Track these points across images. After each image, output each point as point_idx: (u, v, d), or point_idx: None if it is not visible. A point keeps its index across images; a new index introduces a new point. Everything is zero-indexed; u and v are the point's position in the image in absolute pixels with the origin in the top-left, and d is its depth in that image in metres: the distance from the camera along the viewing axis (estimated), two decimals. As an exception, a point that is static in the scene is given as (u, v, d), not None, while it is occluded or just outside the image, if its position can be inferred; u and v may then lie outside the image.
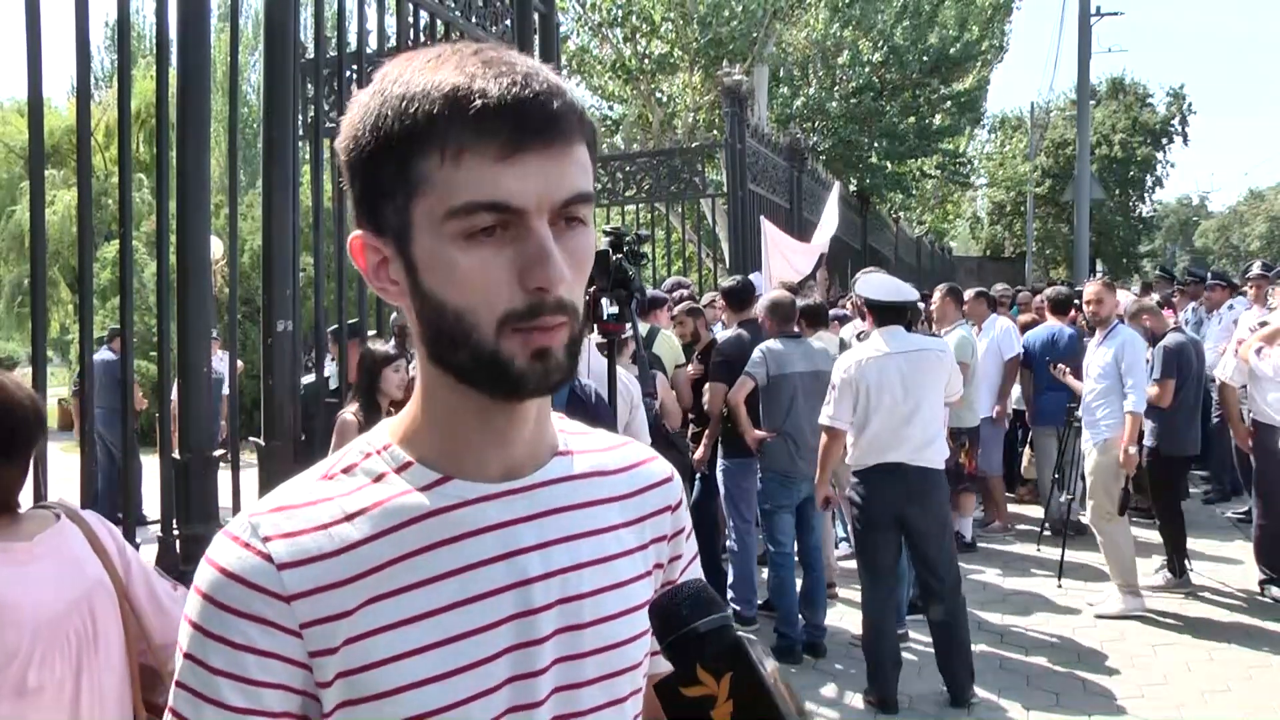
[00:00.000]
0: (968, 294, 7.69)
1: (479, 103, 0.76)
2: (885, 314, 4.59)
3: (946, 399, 4.80)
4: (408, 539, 0.83)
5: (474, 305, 0.79)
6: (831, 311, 6.70)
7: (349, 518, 0.83)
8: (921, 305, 6.96)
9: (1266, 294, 7.38)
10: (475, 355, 0.80)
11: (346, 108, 0.84)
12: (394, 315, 4.42)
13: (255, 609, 0.80)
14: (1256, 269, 7.77)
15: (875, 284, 4.83)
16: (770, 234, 7.83)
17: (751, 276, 8.49)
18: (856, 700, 4.69)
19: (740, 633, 0.73)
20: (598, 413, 3.21)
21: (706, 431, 5.76)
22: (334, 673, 0.80)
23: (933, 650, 4.63)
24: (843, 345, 6.12)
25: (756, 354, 5.24)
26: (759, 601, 5.64)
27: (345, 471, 0.87)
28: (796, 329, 5.47)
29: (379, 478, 0.86)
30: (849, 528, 6.52)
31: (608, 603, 0.89)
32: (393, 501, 0.84)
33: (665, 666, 0.81)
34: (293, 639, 0.80)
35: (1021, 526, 7.88)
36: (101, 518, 1.94)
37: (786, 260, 7.74)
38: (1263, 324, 6.29)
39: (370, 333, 4.23)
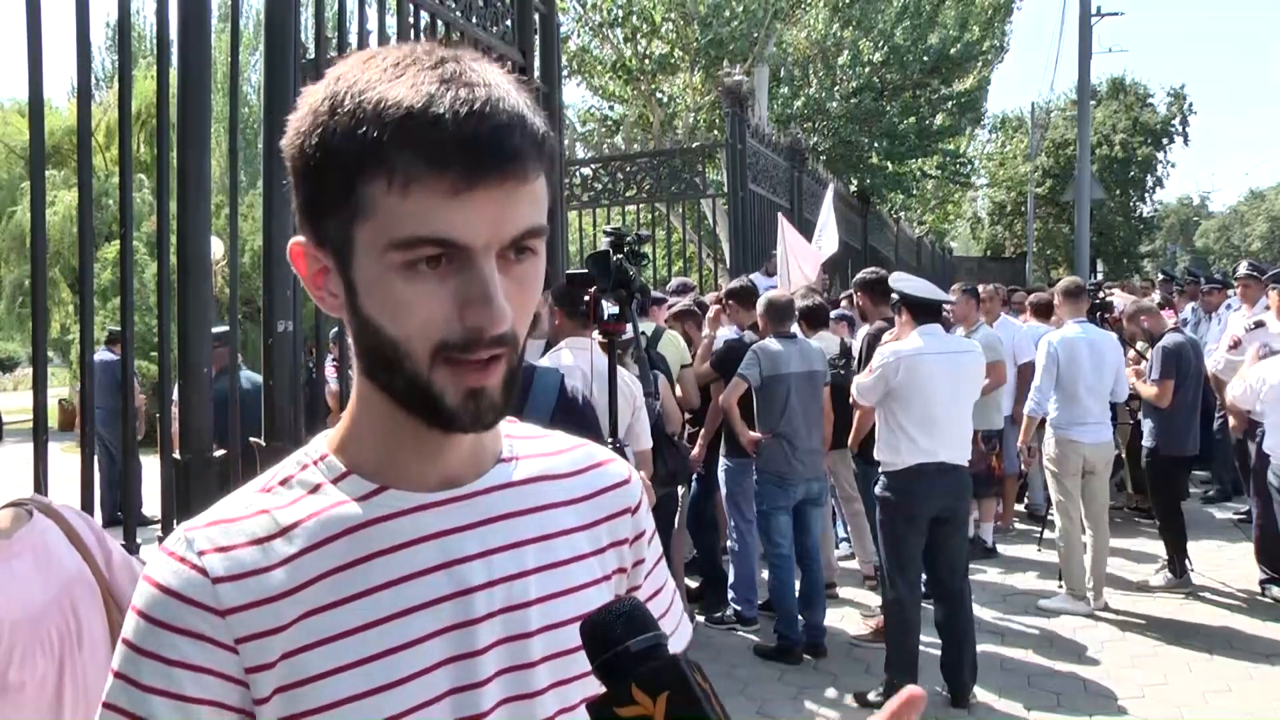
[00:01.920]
0: (982, 291, 7.70)
1: (432, 134, 0.73)
2: (924, 312, 4.58)
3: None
4: (343, 551, 0.82)
5: (410, 335, 0.77)
6: (833, 312, 6.69)
7: (284, 530, 0.82)
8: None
9: (1259, 294, 7.37)
10: (409, 384, 0.79)
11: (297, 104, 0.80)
12: (334, 330, 4.38)
13: (190, 624, 0.78)
14: (1243, 269, 7.78)
15: (912, 283, 4.85)
16: (788, 236, 7.80)
17: (753, 276, 8.51)
18: (856, 700, 4.69)
19: (674, 652, 0.71)
20: (584, 416, 3.16)
21: (703, 431, 5.76)
22: (271, 688, 0.79)
23: (939, 650, 4.63)
24: (843, 346, 6.11)
25: (749, 355, 5.20)
26: (759, 601, 5.64)
27: (282, 484, 0.86)
28: (794, 329, 5.46)
29: (315, 489, 0.85)
30: (849, 527, 6.55)
31: (559, 609, 0.87)
32: (328, 513, 0.83)
33: None
34: (228, 654, 0.78)
35: (1021, 526, 7.88)
36: (79, 511, 1.93)
37: (799, 264, 7.72)
38: (1259, 323, 6.29)
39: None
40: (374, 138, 0.73)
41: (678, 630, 1.03)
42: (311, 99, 0.78)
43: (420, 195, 0.73)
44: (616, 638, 0.71)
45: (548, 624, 0.87)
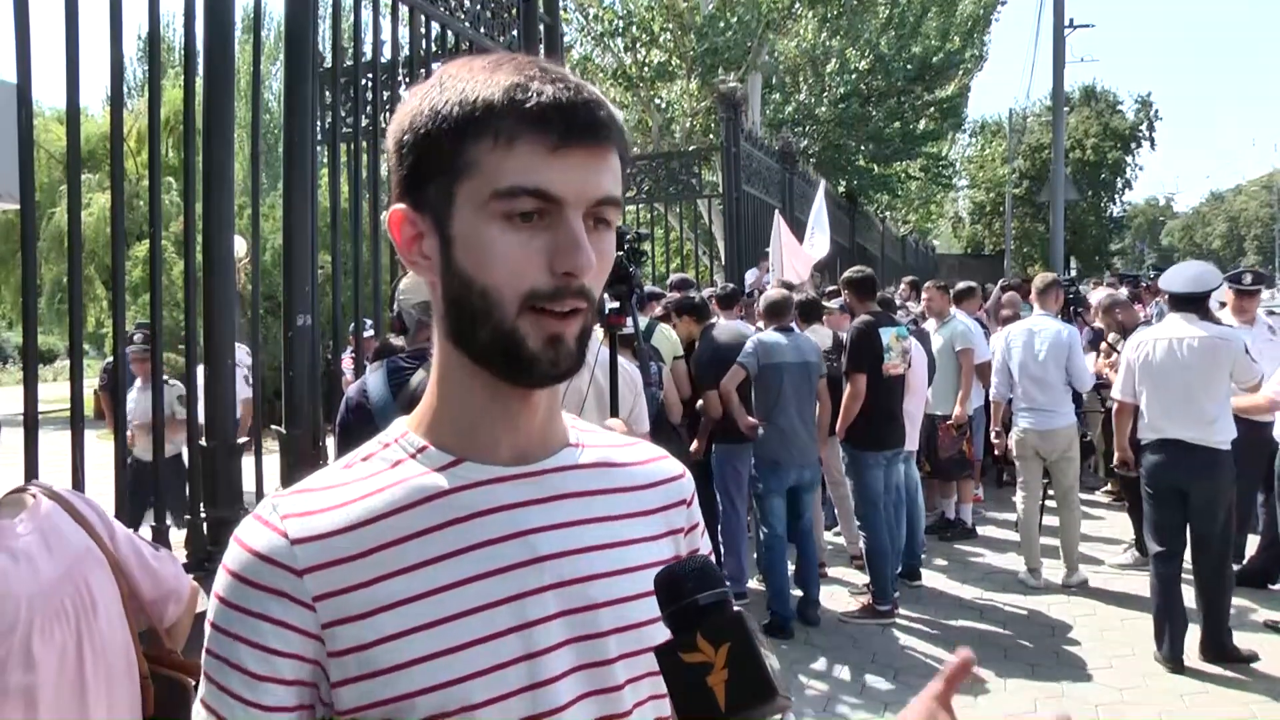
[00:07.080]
0: (957, 286, 7.73)
1: (535, 99, 0.78)
2: (1178, 302, 4.78)
3: (1239, 384, 4.77)
4: (418, 518, 0.83)
5: (501, 283, 0.79)
6: (835, 302, 6.67)
7: (364, 497, 0.84)
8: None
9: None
10: (494, 332, 0.80)
11: (397, 108, 0.85)
12: (394, 307, 4.38)
13: (271, 581, 0.80)
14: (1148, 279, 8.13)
15: (1170, 273, 4.99)
16: (783, 233, 7.80)
17: (749, 271, 8.50)
18: (845, 672, 4.71)
19: (738, 608, 0.74)
20: None
21: (702, 421, 5.76)
22: (346, 645, 0.80)
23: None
24: (835, 339, 6.10)
25: (749, 345, 5.23)
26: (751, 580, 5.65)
27: (364, 460, 0.88)
28: (791, 324, 5.45)
29: (396, 463, 0.86)
30: (836, 510, 6.55)
31: (620, 585, 0.87)
32: (406, 483, 0.84)
33: None
34: (306, 611, 0.80)
35: (1002, 510, 7.89)
36: (78, 493, 1.95)
37: (792, 262, 7.72)
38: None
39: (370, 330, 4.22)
40: (484, 104, 0.79)
41: None
42: (421, 89, 0.84)
43: (523, 151, 0.78)
44: (688, 590, 0.73)
45: (612, 598, 0.87)
